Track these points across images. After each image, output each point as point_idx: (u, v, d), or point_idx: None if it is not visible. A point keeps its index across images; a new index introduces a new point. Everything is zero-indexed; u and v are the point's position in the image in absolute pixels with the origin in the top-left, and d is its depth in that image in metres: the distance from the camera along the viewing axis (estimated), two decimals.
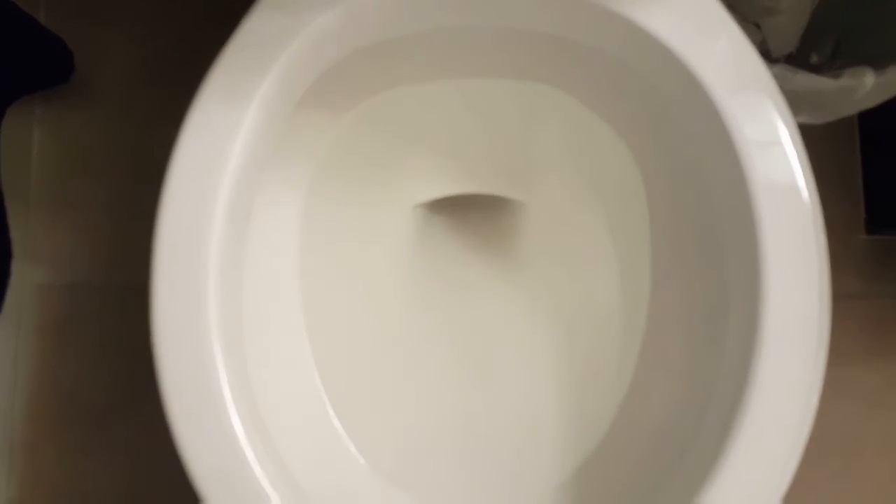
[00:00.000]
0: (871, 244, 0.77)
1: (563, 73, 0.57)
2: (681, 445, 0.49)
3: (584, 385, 0.57)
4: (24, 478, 0.75)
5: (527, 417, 0.57)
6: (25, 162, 0.78)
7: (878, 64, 0.59)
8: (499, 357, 0.60)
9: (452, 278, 0.62)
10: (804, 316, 0.44)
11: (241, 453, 0.42)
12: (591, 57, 0.53)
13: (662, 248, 0.57)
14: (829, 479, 0.74)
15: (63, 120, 0.79)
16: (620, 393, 0.56)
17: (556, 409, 0.57)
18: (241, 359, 0.45)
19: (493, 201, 0.61)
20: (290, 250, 0.55)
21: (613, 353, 0.57)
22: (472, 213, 0.63)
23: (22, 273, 0.76)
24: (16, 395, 0.76)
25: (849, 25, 0.68)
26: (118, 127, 0.78)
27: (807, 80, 0.57)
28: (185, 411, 0.42)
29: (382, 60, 0.54)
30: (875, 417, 0.75)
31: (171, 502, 0.48)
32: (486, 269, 0.62)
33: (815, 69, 0.61)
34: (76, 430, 0.75)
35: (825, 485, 0.74)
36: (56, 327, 0.77)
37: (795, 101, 0.53)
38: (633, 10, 0.48)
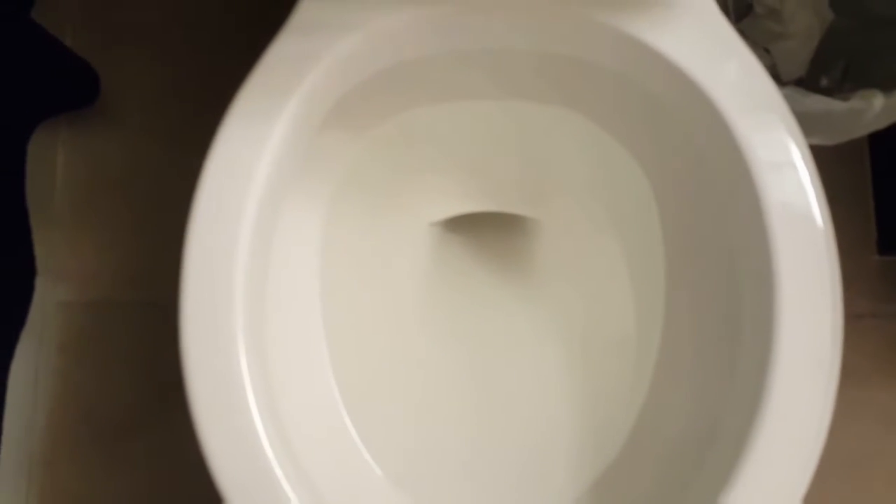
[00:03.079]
0: (882, 264, 0.77)
1: (580, 96, 0.58)
2: (693, 464, 0.49)
3: (598, 402, 0.58)
4: (43, 493, 0.75)
5: (541, 433, 0.58)
6: (50, 182, 0.80)
7: (886, 87, 0.60)
8: (513, 373, 0.60)
9: (468, 295, 0.62)
10: (817, 338, 0.45)
11: (263, 456, 0.43)
12: (607, 80, 0.54)
13: (676, 267, 0.57)
14: (842, 500, 0.74)
15: (87, 141, 0.80)
16: (634, 410, 0.56)
17: (570, 426, 0.57)
18: (264, 367, 0.46)
19: (508, 220, 0.62)
20: (311, 264, 0.56)
21: (627, 372, 0.57)
22: (487, 231, 0.63)
23: (45, 290, 0.77)
24: (36, 411, 0.76)
25: (858, 50, 0.69)
26: (141, 148, 0.80)
27: (817, 103, 0.58)
28: (210, 415, 0.43)
29: (403, 82, 0.55)
30: (889, 437, 0.75)
31: None
32: (500, 286, 0.62)
33: (825, 93, 0.62)
34: (96, 445, 0.76)
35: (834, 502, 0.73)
36: (77, 344, 0.78)
37: (806, 124, 0.54)
38: (647, 33, 0.49)
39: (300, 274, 0.55)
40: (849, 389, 0.47)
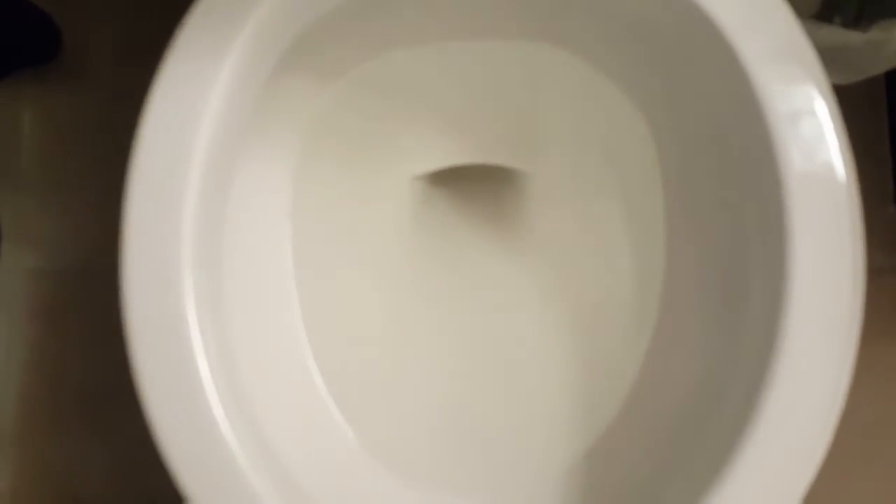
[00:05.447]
0: None
1: (571, 30, 0.53)
2: (695, 433, 0.46)
3: (593, 366, 0.54)
4: (17, 467, 0.73)
5: (531, 398, 0.55)
6: (16, 143, 0.76)
7: None
8: (504, 336, 0.57)
9: (454, 254, 0.59)
10: (834, 300, 0.41)
11: (225, 448, 0.40)
12: (604, 11, 0.49)
13: (679, 223, 0.54)
14: (852, 464, 0.70)
15: (54, 100, 0.77)
16: (631, 375, 0.53)
17: (562, 390, 0.54)
18: (225, 340, 0.43)
19: (496, 172, 0.58)
20: (280, 225, 0.52)
21: (625, 333, 0.54)
22: (474, 186, 0.60)
23: (13, 258, 0.74)
24: (8, 384, 0.74)
25: None
26: (110, 105, 0.76)
27: (833, 35, 0.54)
28: (163, 403, 0.40)
29: (375, 19, 0.51)
30: None
31: (168, 488, 0.46)
32: (489, 245, 0.59)
33: None
34: (71, 417, 0.74)
35: (848, 470, 0.70)
36: (49, 313, 0.75)
37: (820, 60, 0.50)
38: None
39: (267, 236, 0.52)
40: (863, 348, 0.44)
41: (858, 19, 0.64)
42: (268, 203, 0.52)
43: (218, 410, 0.40)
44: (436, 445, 0.54)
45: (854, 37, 0.54)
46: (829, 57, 0.54)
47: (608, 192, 0.57)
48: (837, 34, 0.54)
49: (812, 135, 0.42)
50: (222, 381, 0.40)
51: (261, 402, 0.44)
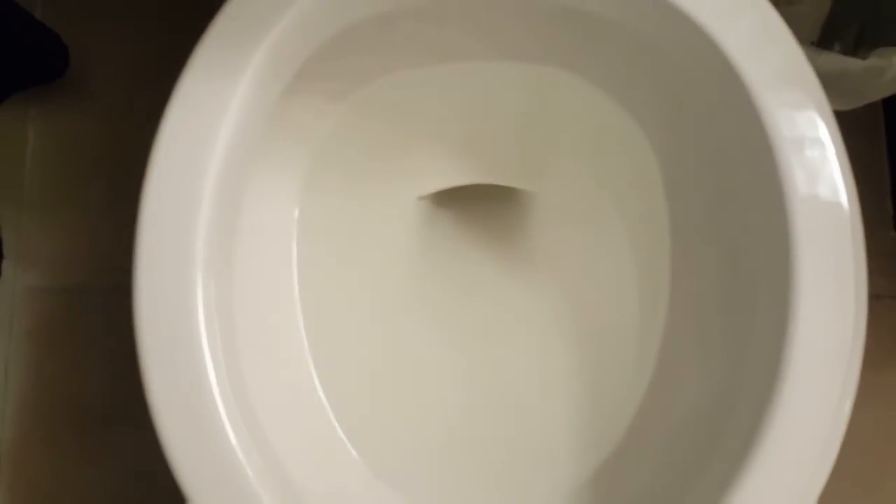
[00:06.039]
0: None
1: (579, 54, 0.54)
2: (703, 449, 0.46)
3: (600, 386, 0.54)
4: (14, 487, 0.72)
5: (538, 419, 0.55)
6: (20, 161, 0.76)
7: None
8: (508, 357, 0.57)
9: (458, 273, 0.59)
10: (838, 324, 0.41)
11: (230, 452, 0.40)
12: (611, 34, 0.50)
13: (683, 246, 0.54)
14: (856, 489, 0.70)
15: (58, 118, 0.77)
16: (638, 395, 0.52)
17: (569, 411, 0.54)
18: (233, 354, 0.43)
19: (501, 192, 0.59)
20: (286, 245, 0.52)
21: (630, 354, 0.54)
22: (478, 206, 0.60)
23: (14, 276, 0.74)
24: (7, 402, 0.73)
25: (873, 11, 0.65)
26: (115, 125, 0.76)
27: (833, 61, 0.54)
28: (171, 408, 0.40)
29: (382, 40, 0.51)
30: None
31: None
32: (494, 264, 0.59)
33: None
34: (70, 437, 0.73)
35: (852, 495, 0.70)
36: (49, 332, 0.74)
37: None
38: None
39: (274, 255, 0.52)
40: (864, 373, 0.44)
41: (858, 46, 0.65)
42: (274, 224, 0.52)
43: (224, 417, 0.40)
44: (441, 467, 0.53)
45: (853, 63, 0.55)
46: (829, 83, 0.55)
47: (612, 213, 0.57)
48: (837, 61, 0.55)
49: (816, 160, 0.43)
50: (229, 392, 0.40)
51: (265, 415, 0.44)
